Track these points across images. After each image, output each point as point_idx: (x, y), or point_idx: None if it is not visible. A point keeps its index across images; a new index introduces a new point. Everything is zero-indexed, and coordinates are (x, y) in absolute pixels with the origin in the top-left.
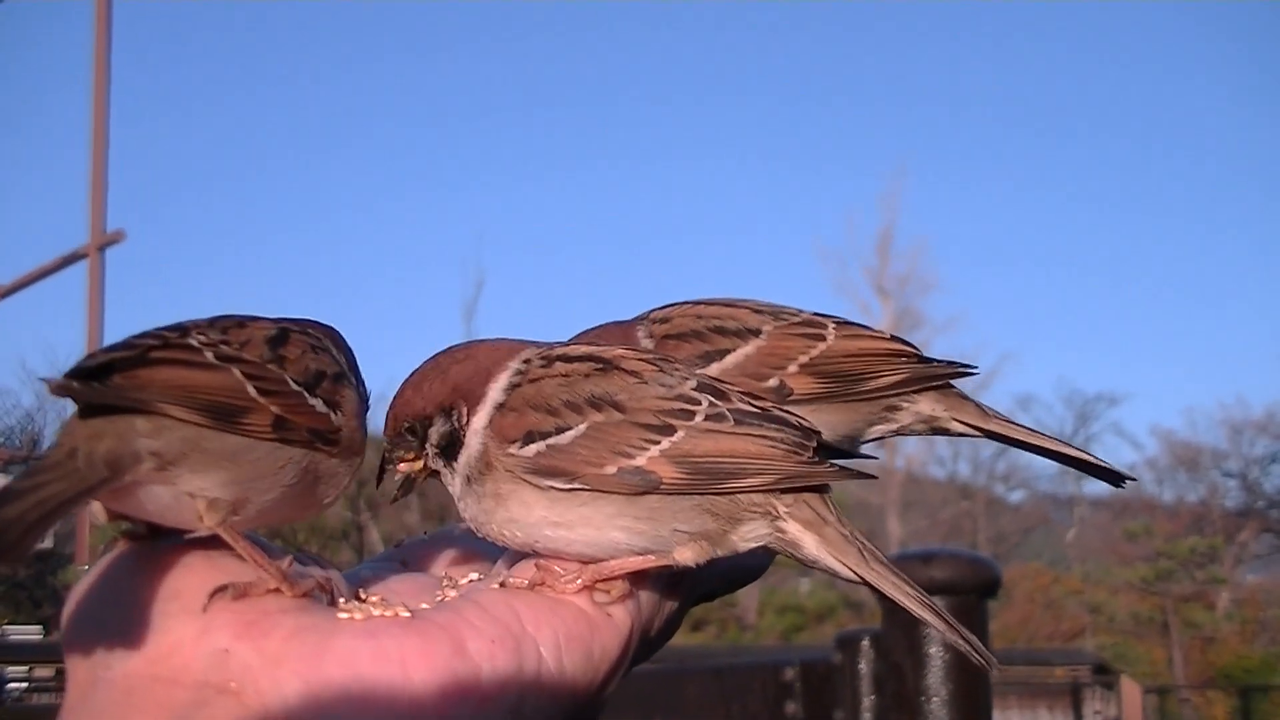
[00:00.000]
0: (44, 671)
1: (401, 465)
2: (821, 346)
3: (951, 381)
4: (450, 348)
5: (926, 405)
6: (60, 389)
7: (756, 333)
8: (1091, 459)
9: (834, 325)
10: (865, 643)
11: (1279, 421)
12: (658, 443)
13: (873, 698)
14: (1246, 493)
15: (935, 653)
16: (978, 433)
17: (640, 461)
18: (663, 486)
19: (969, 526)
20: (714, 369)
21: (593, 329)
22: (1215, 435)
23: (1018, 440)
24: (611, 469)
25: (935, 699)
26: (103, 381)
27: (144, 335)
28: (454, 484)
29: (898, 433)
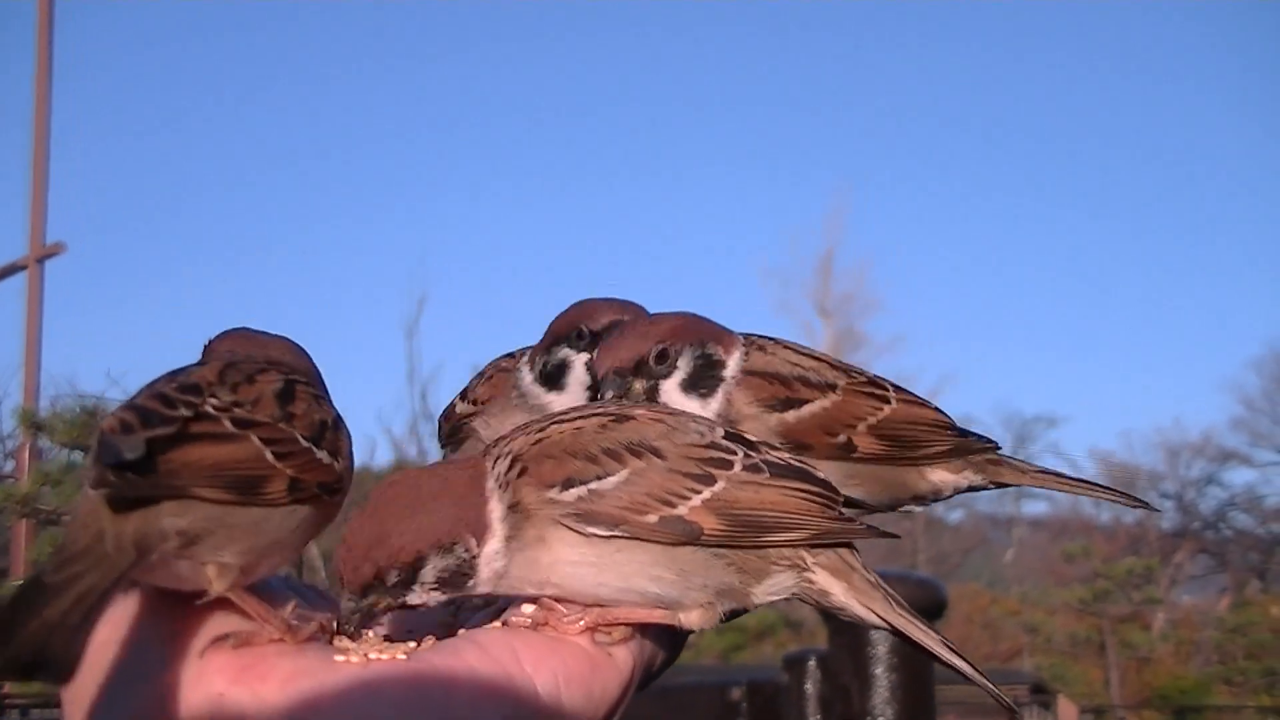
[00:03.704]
0: None
1: (368, 605)
2: (887, 410)
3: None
4: (397, 479)
5: (971, 472)
6: (102, 484)
7: (834, 387)
8: (1120, 496)
9: (893, 390)
10: (812, 663)
11: (1215, 444)
12: (699, 492)
13: (819, 718)
14: (1183, 514)
15: (881, 674)
16: (1015, 485)
17: (682, 511)
18: (703, 538)
19: (909, 546)
20: (790, 416)
21: (681, 314)
22: (1152, 457)
23: (1055, 488)
24: (653, 517)
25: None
26: (143, 467)
27: (168, 398)
28: (473, 588)
29: (936, 498)
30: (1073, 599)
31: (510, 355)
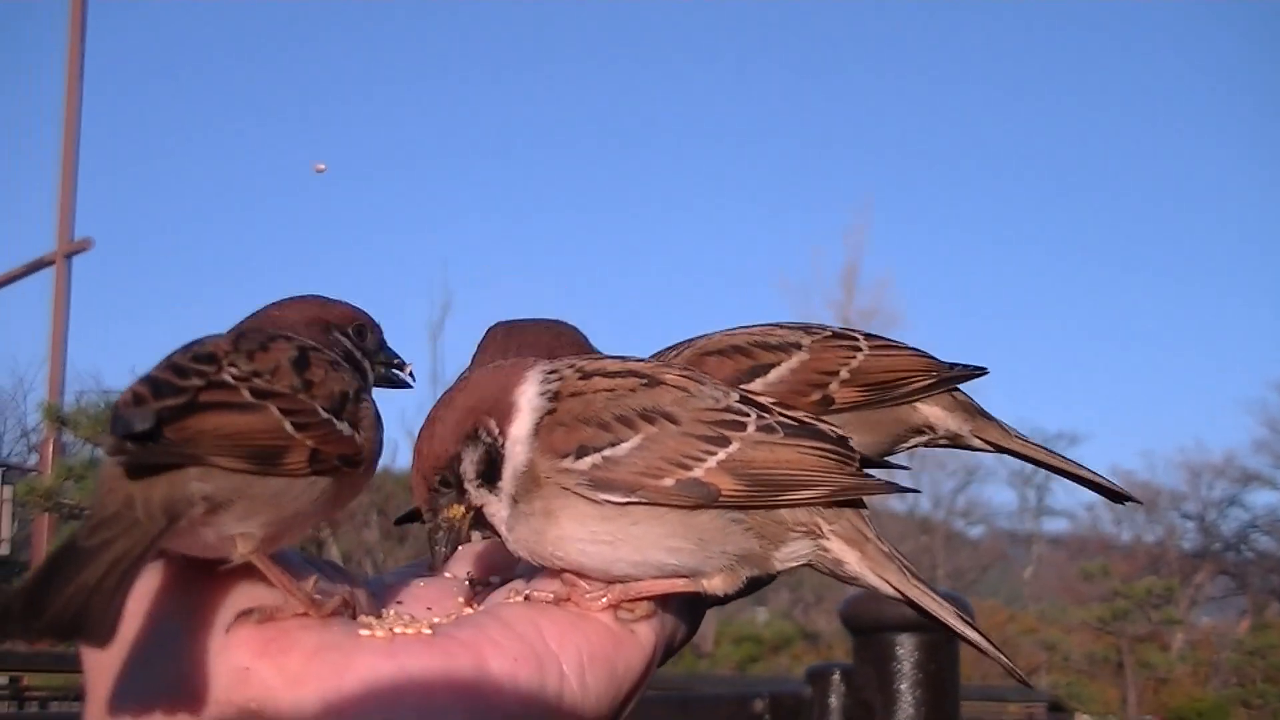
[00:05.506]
0: None
1: (447, 521)
2: (859, 358)
3: (977, 402)
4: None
5: (954, 423)
6: (116, 450)
7: (798, 346)
8: (1101, 480)
9: (864, 338)
10: (836, 677)
11: (1237, 465)
12: (714, 454)
13: None
14: (1203, 535)
15: (905, 689)
16: (994, 449)
17: (698, 473)
18: (721, 499)
19: (928, 561)
20: (758, 384)
21: None
22: (1174, 477)
23: (1034, 459)
24: (670, 481)
25: None
26: (154, 437)
27: (181, 369)
28: (500, 509)
29: (927, 444)
30: (1091, 618)
31: None
